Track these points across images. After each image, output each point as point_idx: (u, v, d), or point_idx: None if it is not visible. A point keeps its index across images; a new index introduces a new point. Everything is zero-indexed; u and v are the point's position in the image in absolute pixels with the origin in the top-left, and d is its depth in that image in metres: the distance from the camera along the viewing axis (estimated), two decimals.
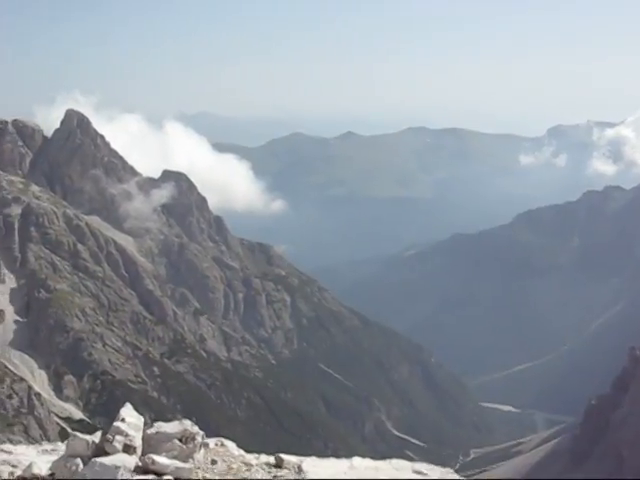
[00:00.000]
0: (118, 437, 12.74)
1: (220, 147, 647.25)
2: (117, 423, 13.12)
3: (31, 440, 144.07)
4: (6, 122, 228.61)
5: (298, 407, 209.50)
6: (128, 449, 12.70)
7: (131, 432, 12.85)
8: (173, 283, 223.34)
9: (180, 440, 13.45)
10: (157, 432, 13.32)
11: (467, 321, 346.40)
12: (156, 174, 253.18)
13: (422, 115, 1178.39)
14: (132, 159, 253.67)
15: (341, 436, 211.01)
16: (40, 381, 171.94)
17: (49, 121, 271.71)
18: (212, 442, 16.06)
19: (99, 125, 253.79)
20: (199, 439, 13.91)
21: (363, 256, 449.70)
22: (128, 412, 13.55)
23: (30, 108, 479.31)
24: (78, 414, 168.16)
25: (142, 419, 13.43)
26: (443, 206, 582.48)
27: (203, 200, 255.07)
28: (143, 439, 13.12)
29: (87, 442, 13.04)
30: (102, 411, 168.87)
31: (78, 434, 13.46)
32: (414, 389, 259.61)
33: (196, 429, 13.85)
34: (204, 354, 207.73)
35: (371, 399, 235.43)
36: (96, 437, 13.24)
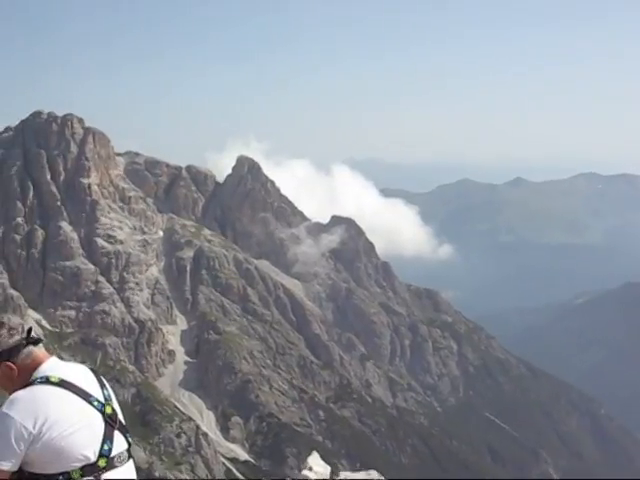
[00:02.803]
0: None
1: (387, 192, 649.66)
2: (305, 472, 12.38)
3: None
4: (180, 168, 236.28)
5: (463, 456, 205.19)
6: None
7: None
8: (340, 328, 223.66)
9: None
10: None
11: None
12: (323, 218, 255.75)
13: (593, 161, 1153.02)
14: (300, 203, 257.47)
15: None
16: (208, 421, 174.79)
17: (220, 167, 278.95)
18: None
19: (268, 170, 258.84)
20: None
21: (531, 304, 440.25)
22: (315, 461, 12.77)
23: (202, 154, 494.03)
24: (244, 455, 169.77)
25: (329, 468, 12.62)
26: (615, 253, 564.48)
27: (371, 245, 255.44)
28: None
29: None
30: (267, 453, 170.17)
31: None
32: (583, 441, 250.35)
33: None
34: (369, 400, 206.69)
35: (538, 450, 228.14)
36: None
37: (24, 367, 6.84)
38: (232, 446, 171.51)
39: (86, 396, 6.72)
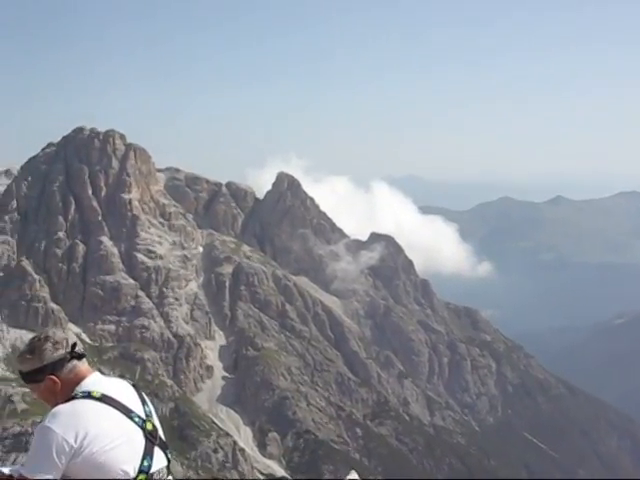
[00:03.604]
0: None
1: (426, 210, 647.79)
2: None
3: None
4: (220, 184, 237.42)
5: (501, 476, 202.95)
6: None
7: None
8: (378, 345, 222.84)
9: None
10: None
11: None
12: (362, 235, 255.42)
13: (633, 179, 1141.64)
14: (339, 220, 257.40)
15: None
16: (245, 437, 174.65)
17: (260, 183, 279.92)
18: None
19: (307, 187, 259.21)
20: None
21: (571, 323, 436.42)
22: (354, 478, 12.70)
23: (242, 171, 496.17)
24: (280, 472, 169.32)
25: None
26: None
27: (410, 263, 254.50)
28: None
29: None
30: (304, 470, 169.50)
31: None
32: (623, 462, 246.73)
33: None
34: (407, 418, 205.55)
35: (577, 471, 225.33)
36: None
37: (67, 381, 6.97)
38: (269, 462, 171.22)
39: (127, 412, 6.84)
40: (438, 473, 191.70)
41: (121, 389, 7.05)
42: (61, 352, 7.01)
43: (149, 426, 6.91)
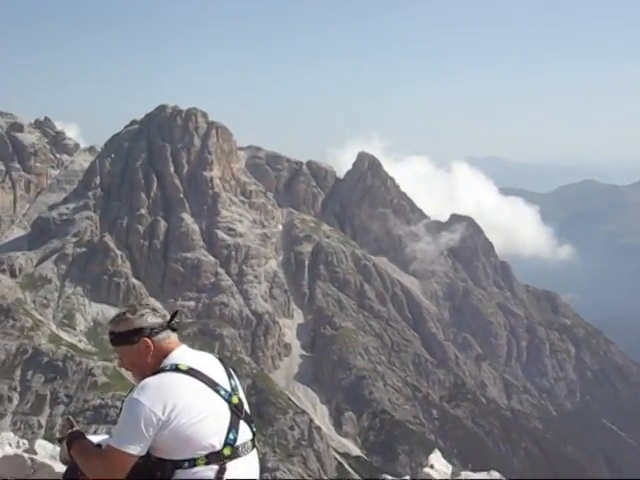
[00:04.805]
0: None
1: (507, 192, 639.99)
2: (427, 469, 12.22)
3: (309, 473, 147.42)
4: (301, 163, 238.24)
5: (578, 462, 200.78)
6: None
7: None
8: (456, 327, 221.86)
9: None
10: None
11: None
12: (441, 215, 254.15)
13: None
14: (418, 200, 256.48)
15: None
16: (321, 415, 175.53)
17: (340, 163, 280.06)
18: None
19: (387, 166, 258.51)
20: None
21: None
22: (437, 459, 12.60)
23: (324, 150, 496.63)
24: (355, 451, 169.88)
25: (450, 467, 12.44)
26: None
27: (490, 245, 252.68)
28: None
29: None
30: (379, 450, 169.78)
31: (388, 476, 12.78)
32: None
33: None
34: (484, 400, 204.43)
35: None
36: None
37: (158, 349, 6.96)
38: (344, 441, 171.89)
39: (213, 385, 6.83)
40: (514, 457, 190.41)
41: (207, 362, 7.08)
42: (160, 319, 7.11)
43: (235, 399, 6.90)
